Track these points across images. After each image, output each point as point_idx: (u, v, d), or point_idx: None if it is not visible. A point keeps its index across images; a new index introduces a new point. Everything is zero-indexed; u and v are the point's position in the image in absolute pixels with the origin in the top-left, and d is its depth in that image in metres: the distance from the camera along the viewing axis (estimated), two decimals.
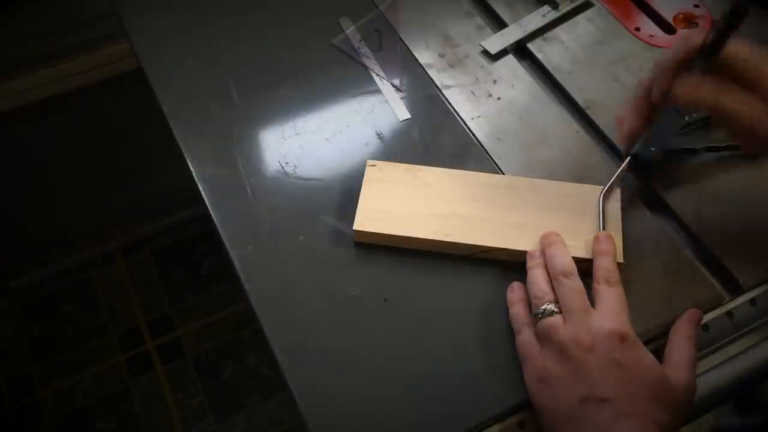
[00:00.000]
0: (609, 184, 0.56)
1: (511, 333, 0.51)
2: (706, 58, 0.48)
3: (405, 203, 0.57)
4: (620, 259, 0.53)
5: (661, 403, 0.44)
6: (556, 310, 0.48)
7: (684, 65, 0.48)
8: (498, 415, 0.49)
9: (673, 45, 0.49)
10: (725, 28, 0.46)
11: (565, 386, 0.45)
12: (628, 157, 0.57)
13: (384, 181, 0.58)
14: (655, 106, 0.52)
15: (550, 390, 0.46)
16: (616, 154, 0.61)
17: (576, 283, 0.49)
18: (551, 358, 0.47)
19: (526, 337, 0.49)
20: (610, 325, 0.46)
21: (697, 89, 0.48)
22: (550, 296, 0.50)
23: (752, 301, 0.55)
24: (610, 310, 0.47)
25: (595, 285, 0.50)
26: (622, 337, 0.46)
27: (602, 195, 0.56)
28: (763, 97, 0.46)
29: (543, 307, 0.49)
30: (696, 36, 0.47)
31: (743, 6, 0.45)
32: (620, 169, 0.57)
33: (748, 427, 0.32)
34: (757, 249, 0.56)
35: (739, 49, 0.47)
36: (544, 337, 0.48)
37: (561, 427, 0.45)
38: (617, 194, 0.57)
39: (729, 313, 0.54)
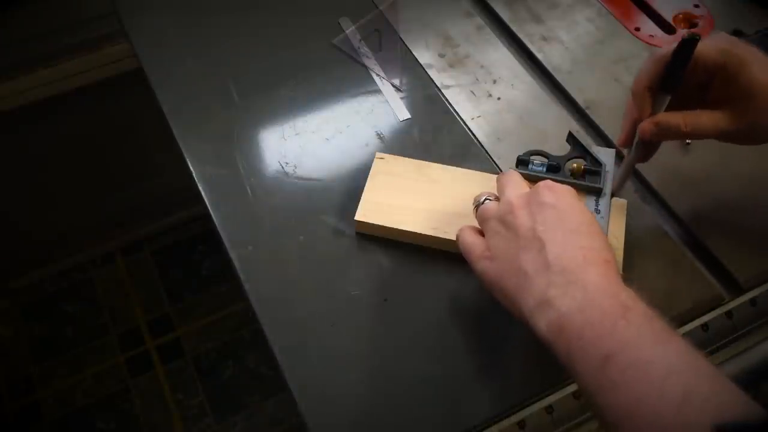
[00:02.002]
0: (618, 181, 0.55)
1: (510, 333, 0.51)
2: (666, 92, 0.48)
3: (408, 198, 0.57)
4: (620, 271, 0.52)
5: (597, 235, 0.43)
6: (491, 198, 0.49)
7: (658, 83, 0.48)
8: (498, 415, 0.49)
9: (641, 67, 0.49)
10: (677, 61, 0.46)
11: (508, 248, 0.44)
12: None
13: (390, 174, 0.58)
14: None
15: (497, 261, 0.45)
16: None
17: (515, 175, 0.49)
18: (491, 236, 0.46)
19: (465, 235, 0.49)
20: (541, 183, 0.46)
21: (666, 125, 0.48)
22: (489, 192, 0.50)
23: (752, 301, 0.55)
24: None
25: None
26: (551, 186, 0.45)
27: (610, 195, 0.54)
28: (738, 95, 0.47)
29: (480, 199, 0.50)
30: (661, 51, 0.47)
31: (693, 39, 0.45)
32: (624, 167, 0.55)
33: (749, 426, 0.32)
34: (757, 249, 0.56)
35: (706, 47, 0.47)
36: (482, 223, 0.48)
37: (513, 288, 0.43)
38: (623, 205, 0.56)
39: (729, 313, 0.54)
